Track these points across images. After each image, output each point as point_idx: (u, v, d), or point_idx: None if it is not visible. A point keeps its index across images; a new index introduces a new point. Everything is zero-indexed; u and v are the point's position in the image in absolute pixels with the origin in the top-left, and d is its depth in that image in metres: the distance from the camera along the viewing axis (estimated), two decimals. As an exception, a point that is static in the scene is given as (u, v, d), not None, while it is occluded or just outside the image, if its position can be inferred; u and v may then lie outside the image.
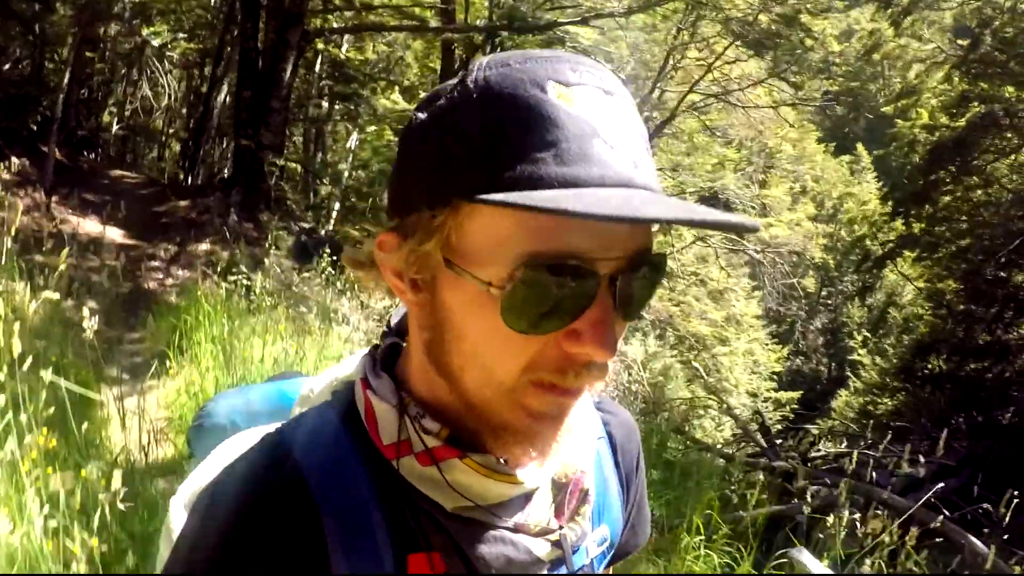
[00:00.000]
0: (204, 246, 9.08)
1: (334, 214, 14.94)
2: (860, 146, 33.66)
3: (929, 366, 14.88)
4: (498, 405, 0.87)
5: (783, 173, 23.90)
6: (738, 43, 13.68)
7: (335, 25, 14.18)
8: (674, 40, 13.87)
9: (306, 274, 8.32)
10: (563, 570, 1.01)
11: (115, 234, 9.60)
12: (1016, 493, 4.82)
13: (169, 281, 7.88)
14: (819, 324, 30.48)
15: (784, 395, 23.53)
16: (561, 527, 1.00)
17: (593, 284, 0.80)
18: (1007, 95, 13.54)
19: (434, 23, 13.48)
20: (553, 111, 0.78)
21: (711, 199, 15.61)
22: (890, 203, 16.64)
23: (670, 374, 14.58)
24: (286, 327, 5.47)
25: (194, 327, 5.33)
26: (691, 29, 13.68)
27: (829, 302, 30.95)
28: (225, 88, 15.19)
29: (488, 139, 0.79)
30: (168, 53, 16.66)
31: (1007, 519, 4.70)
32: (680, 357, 18.39)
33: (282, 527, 0.88)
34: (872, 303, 26.25)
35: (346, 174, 17.16)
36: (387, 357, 1.01)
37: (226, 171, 14.60)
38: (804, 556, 4.69)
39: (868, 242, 18.32)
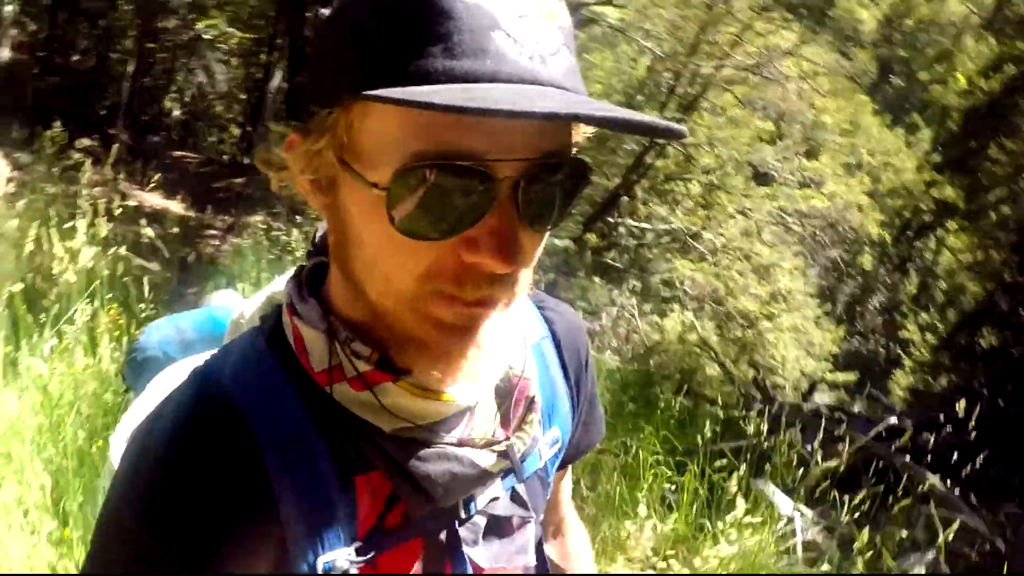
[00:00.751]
0: (258, 217, 9.85)
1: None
2: (917, 116, 33.29)
3: (978, 341, 14.57)
4: (402, 315, 0.85)
5: (834, 145, 23.82)
6: (776, 14, 13.88)
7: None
8: (707, 13, 14.17)
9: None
10: (512, 479, 1.02)
11: (177, 208, 10.48)
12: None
13: (224, 247, 8.66)
14: (877, 303, 30.21)
15: (839, 376, 23.18)
16: (508, 437, 1.00)
17: (490, 188, 0.76)
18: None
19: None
20: (448, 2, 0.74)
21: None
22: (925, 172, 16.65)
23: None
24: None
25: (239, 275, 6.15)
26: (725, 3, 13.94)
27: (888, 280, 30.62)
28: (279, 75, 15.86)
29: (377, 32, 0.75)
30: (221, 45, 17.46)
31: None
32: (719, 332, 18.53)
33: (220, 460, 0.87)
34: (921, 278, 25.97)
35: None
36: (313, 278, 0.99)
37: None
38: (768, 487, 5.00)
39: (907, 212, 18.30)
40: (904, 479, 5.35)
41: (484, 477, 0.97)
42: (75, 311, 4.09)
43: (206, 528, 0.85)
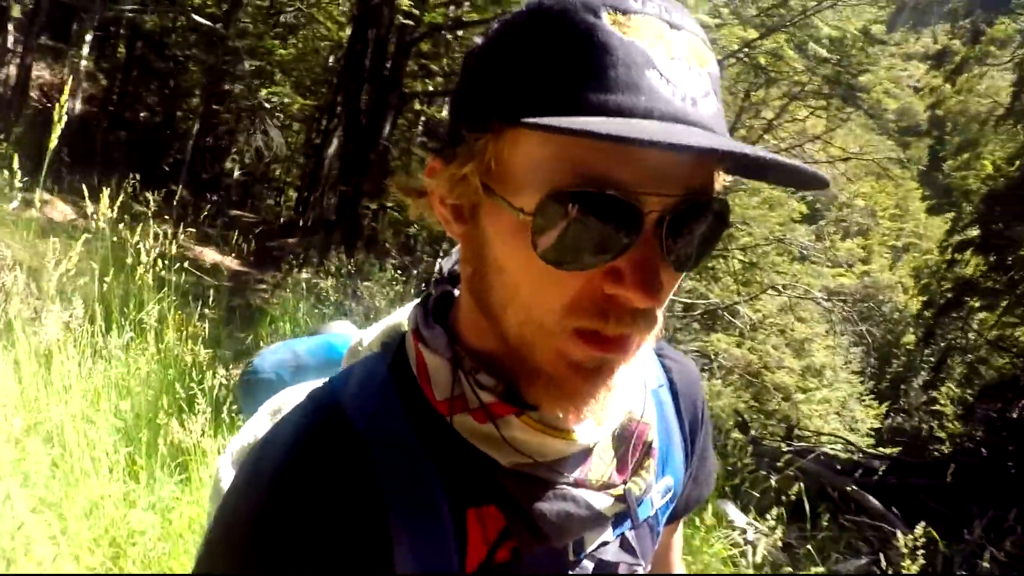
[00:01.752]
0: (305, 275, 10.46)
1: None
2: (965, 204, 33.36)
3: (993, 412, 14.91)
4: (538, 348, 0.83)
5: (873, 227, 24.09)
6: (808, 100, 14.42)
7: (430, 89, 15.72)
8: (743, 102, 14.76)
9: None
10: (627, 524, 1.00)
11: (231, 262, 11.19)
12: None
13: (273, 300, 9.26)
14: (920, 381, 30.07)
15: (880, 450, 23.14)
16: (624, 481, 0.98)
17: (636, 221, 0.76)
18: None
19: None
20: (604, 36, 0.75)
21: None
22: (949, 252, 16.94)
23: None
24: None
25: (281, 322, 6.80)
26: (759, 92, 14.51)
27: (932, 359, 30.48)
28: (336, 142, 16.56)
29: (532, 62, 0.76)
30: (283, 110, 18.31)
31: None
32: (753, 402, 18.78)
33: (334, 479, 0.86)
34: (955, 357, 25.82)
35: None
36: (439, 306, 0.98)
37: (333, 215, 16.12)
38: (729, 507, 5.44)
39: (931, 290, 18.53)
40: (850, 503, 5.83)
41: (598, 520, 0.95)
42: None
43: (316, 552, 0.84)
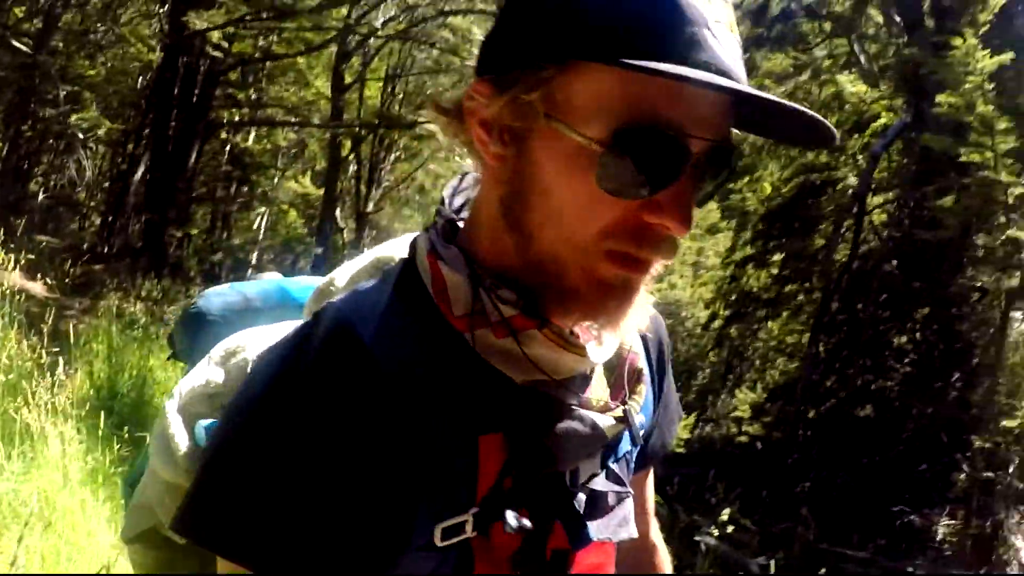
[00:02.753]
0: (112, 303, 10.90)
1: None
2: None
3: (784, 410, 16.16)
4: (570, 267, 0.87)
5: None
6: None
7: (236, 119, 16.32)
8: None
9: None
10: (626, 444, 1.05)
11: (36, 288, 11.46)
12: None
13: (81, 326, 9.69)
14: (726, 390, 31.22)
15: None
16: (624, 403, 1.02)
17: (684, 158, 0.83)
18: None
19: (316, 119, 15.74)
20: None
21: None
22: (732, 267, 18.23)
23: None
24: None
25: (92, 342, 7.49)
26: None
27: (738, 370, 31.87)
28: (142, 167, 16.54)
29: (615, 7, 0.82)
30: (90, 134, 18.36)
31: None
32: None
33: (350, 399, 0.87)
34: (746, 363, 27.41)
35: (255, 254, 19.06)
36: (448, 233, 0.99)
37: (139, 242, 16.30)
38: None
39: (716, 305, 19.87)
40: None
41: (600, 440, 0.98)
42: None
43: (339, 458, 0.86)
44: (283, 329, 1.09)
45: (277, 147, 19.32)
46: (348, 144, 15.96)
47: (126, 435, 5.10)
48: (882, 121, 13.02)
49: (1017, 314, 11.43)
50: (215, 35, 12.57)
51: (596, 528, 1.01)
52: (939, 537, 10.80)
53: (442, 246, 0.96)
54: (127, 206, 16.31)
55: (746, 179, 19.39)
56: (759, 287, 17.13)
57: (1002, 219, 10.43)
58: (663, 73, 0.77)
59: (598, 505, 1.02)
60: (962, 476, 11.15)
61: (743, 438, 18.25)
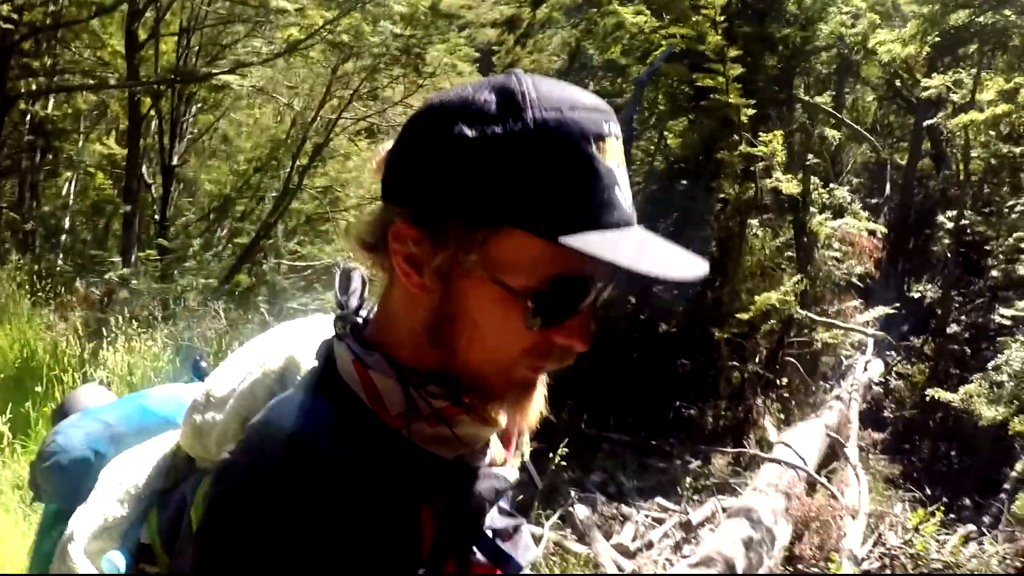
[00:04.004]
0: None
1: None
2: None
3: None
4: (491, 377, 1.04)
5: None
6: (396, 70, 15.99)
7: (33, 88, 16.31)
8: (333, 75, 16.08)
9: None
10: (499, 497, 1.17)
11: None
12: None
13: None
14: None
15: None
16: (521, 455, 1.27)
17: (590, 297, 1.01)
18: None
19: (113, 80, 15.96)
20: (596, 165, 0.96)
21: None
22: None
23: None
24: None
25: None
26: (345, 65, 15.87)
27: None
28: None
29: (551, 182, 0.95)
30: None
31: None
32: None
33: (329, 504, 0.98)
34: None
35: (67, 220, 19.00)
36: (362, 338, 1.10)
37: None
38: None
39: None
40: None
41: (508, 490, 1.17)
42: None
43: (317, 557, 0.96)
44: (158, 446, 1.30)
45: (79, 111, 19.23)
46: (148, 101, 16.17)
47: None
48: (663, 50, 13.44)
49: (753, 221, 12.78)
50: (5, 8, 12.65)
51: (516, 557, 1.16)
52: (708, 426, 12.28)
53: (365, 354, 1.07)
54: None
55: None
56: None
57: (735, 137, 11.67)
58: (599, 257, 0.93)
59: (503, 537, 1.18)
60: (717, 369, 12.51)
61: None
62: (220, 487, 1.04)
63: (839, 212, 13.46)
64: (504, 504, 1.20)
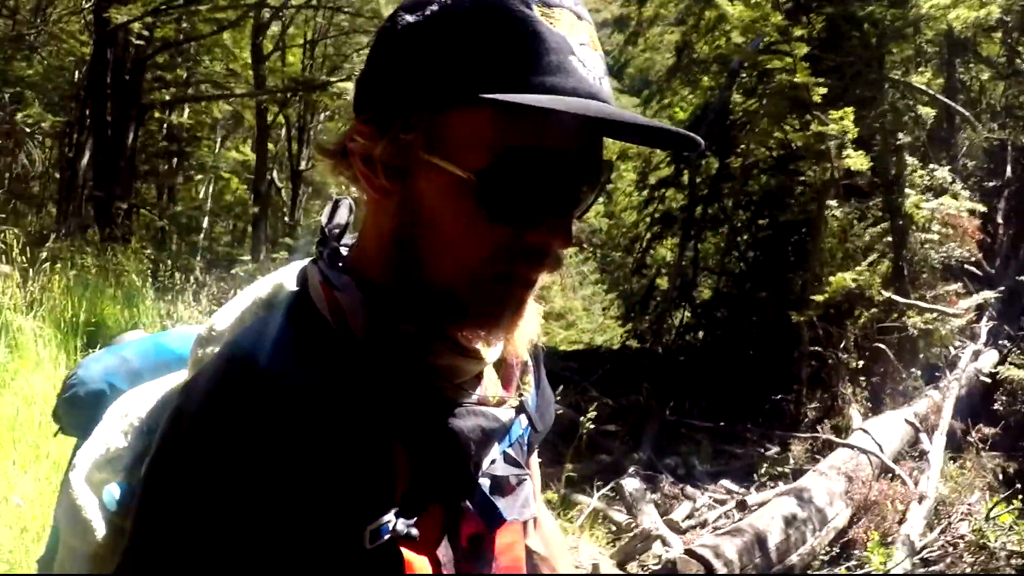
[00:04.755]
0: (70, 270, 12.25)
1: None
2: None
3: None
4: (462, 290, 0.95)
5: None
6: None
7: (167, 98, 17.54)
8: None
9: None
10: (518, 428, 1.13)
11: (6, 269, 12.85)
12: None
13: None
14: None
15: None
16: (521, 394, 1.15)
17: (560, 179, 0.92)
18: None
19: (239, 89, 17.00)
20: (538, 26, 0.89)
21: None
22: (647, 191, 18.96)
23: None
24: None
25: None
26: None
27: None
28: (88, 154, 17.25)
29: (482, 48, 0.89)
30: (37, 128, 19.43)
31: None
32: None
33: (264, 429, 0.90)
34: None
35: (205, 221, 20.30)
36: (335, 261, 1.05)
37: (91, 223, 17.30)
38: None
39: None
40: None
41: (502, 432, 1.08)
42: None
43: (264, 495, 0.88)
44: (168, 383, 1.22)
45: (215, 120, 20.46)
46: (275, 109, 17.19)
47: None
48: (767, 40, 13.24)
49: (832, 202, 12.50)
50: (136, 25, 13.70)
51: (504, 508, 1.07)
52: (790, 414, 12.16)
53: (334, 276, 1.02)
54: (77, 191, 17.41)
55: (655, 104, 20.48)
56: (676, 208, 18.08)
57: (808, 117, 11.51)
58: (521, 104, 0.85)
59: (501, 487, 1.08)
60: (800, 355, 12.33)
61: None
62: (173, 406, 0.99)
63: (941, 194, 12.81)
64: (514, 452, 1.13)
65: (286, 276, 1.15)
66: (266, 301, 1.15)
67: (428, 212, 0.95)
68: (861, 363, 12.08)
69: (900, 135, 12.84)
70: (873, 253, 12.78)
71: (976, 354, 12.65)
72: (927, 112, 13.72)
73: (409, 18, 0.95)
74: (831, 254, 12.58)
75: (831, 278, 11.25)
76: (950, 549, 8.14)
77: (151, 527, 0.91)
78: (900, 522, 8.27)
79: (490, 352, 1.07)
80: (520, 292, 0.99)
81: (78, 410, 1.38)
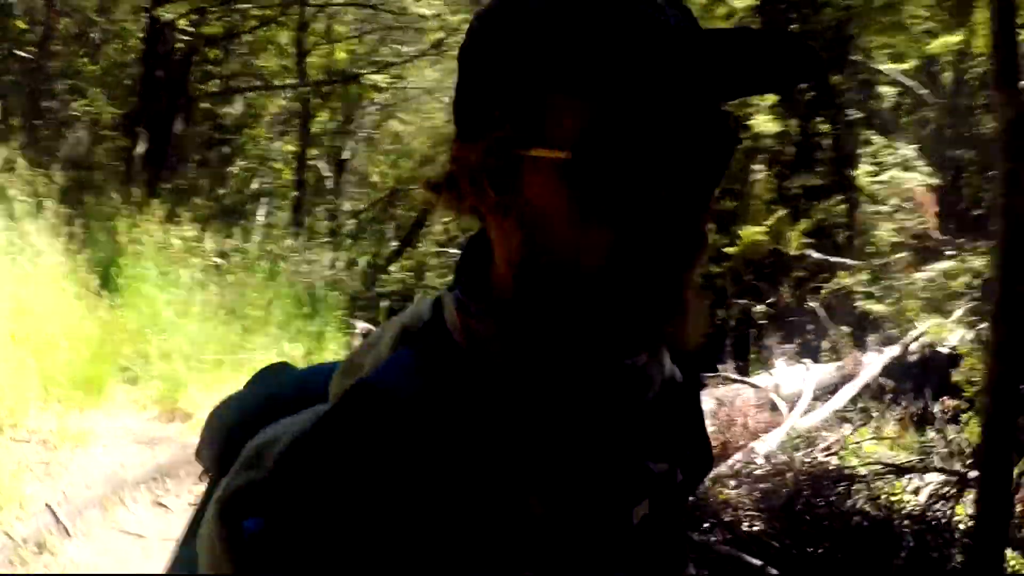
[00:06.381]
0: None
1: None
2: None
3: None
4: (603, 299, 0.85)
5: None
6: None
7: (214, 90, 18.52)
8: None
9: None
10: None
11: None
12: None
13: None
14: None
15: None
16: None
17: (680, 145, 0.82)
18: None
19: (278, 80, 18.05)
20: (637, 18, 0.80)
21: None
22: None
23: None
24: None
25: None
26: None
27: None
28: (144, 144, 17.62)
29: (577, 35, 0.80)
30: (97, 120, 20.58)
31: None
32: None
33: (405, 464, 0.84)
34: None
35: (257, 206, 21.28)
36: (471, 288, 0.96)
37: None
38: None
39: None
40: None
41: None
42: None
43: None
44: (307, 417, 1.09)
45: (269, 113, 21.42)
46: (318, 102, 18.12)
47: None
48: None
49: (757, 166, 13.08)
50: (182, 23, 14.69)
51: None
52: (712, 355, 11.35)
53: (469, 303, 0.94)
54: (132, 176, 18.54)
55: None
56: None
57: None
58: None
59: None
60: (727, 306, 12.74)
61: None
62: (312, 438, 0.91)
63: (908, 170, 13.12)
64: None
65: (424, 307, 1.05)
66: (403, 333, 1.05)
67: (539, 220, 0.86)
68: (792, 318, 12.35)
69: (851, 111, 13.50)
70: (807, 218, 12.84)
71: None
72: (887, 91, 14.08)
73: (497, 26, 0.89)
74: (754, 216, 12.74)
75: (740, 232, 11.76)
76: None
77: (287, 558, 0.87)
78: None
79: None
80: (670, 294, 0.84)
81: (218, 448, 1.34)
